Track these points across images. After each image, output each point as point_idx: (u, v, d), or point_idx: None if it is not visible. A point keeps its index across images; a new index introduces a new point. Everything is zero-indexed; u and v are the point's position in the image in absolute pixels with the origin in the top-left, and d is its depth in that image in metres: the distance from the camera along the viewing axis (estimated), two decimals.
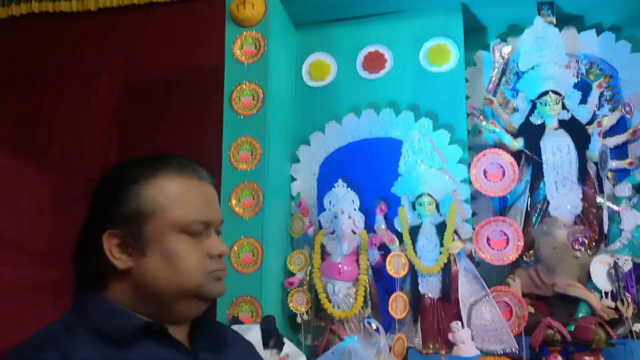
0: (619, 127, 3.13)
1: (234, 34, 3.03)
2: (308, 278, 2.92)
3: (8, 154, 3.11)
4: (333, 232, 2.93)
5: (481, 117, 3.18)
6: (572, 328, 2.61)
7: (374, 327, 2.13)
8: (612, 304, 2.70)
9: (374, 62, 3.27)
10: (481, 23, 3.45)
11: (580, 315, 2.74)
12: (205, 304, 0.93)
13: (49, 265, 3.21)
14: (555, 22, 3.24)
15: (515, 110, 3.27)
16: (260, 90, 2.93)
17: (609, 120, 3.08)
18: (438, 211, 2.90)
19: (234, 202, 2.83)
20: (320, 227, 3.02)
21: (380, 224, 2.95)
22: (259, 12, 2.98)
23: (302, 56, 3.38)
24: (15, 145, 3.45)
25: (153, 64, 3.81)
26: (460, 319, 2.72)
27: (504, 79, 3.39)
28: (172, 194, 0.89)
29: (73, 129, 3.95)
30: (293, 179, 3.23)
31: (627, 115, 3.09)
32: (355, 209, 2.95)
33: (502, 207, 3.28)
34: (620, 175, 3.10)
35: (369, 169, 3.10)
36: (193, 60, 3.71)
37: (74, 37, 4.07)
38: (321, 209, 3.08)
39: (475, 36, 3.40)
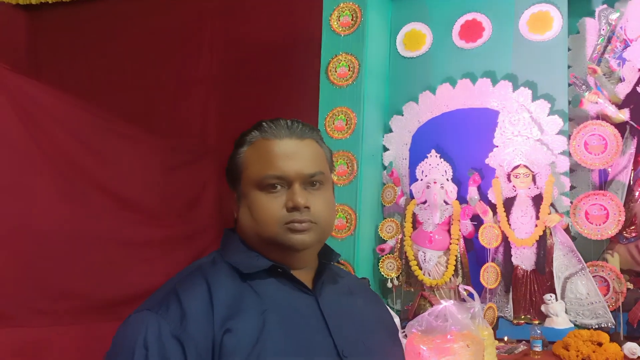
0: None
1: (331, 5, 3.10)
2: (399, 245, 3.00)
3: (123, 122, 3.39)
4: (425, 202, 2.98)
5: (584, 87, 3.06)
6: None
7: (468, 292, 2.18)
8: None
9: (471, 31, 3.22)
10: None
11: None
12: (290, 252, 0.98)
13: (160, 225, 3.52)
14: None
15: (621, 80, 3.12)
16: (356, 62, 3.00)
17: None
18: (534, 183, 2.86)
19: None
20: (412, 197, 3.07)
21: (473, 195, 2.96)
22: None
23: (397, 26, 3.38)
24: (128, 114, 3.75)
25: (251, 33, 3.97)
26: (554, 292, 2.71)
27: (609, 47, 3.22)
28: (251, 156, 1.00)
29: (175, 98, 4.23)
30: (385, 149, 3.29)
31: None
32: (447, 179, 2.97)
33: (603, 180, 3.16)
34: None
35: (462, 140, 3.09)
36: (289, 30, 3.82)
37: (175, 9, 4.30)
38: (412, 178, 3.12)
39: (578, 1, 3.24)
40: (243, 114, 4.06)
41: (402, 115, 3.27)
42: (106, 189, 3.10)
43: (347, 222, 2.90)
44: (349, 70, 3.01)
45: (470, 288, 2.13)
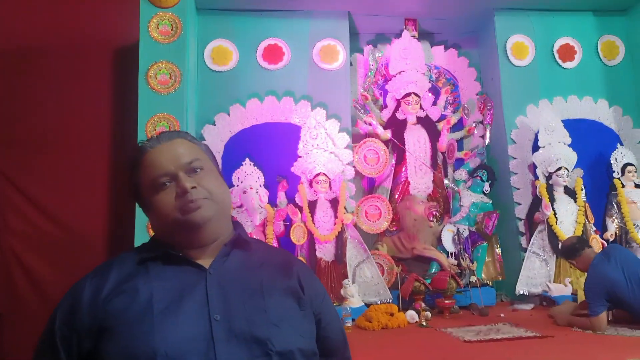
0: (458, 125, 4.00)
1: (149, 13, 3.10)
2: None
3: None
4: (241, 206, 3.23)
5: (362, 110, 3.77)
6: (429, 281, 3.33)
7: None
8: (455, 262, 3.53)
9: (273, 54, 3.62)
10: (357, 30, 4.02)
11: (433, 271, 3.51)
12: (192, 230, 1.09)
13: None
14: (417, 36, 3.97)
15: (383, 106, 3.92)
16: (178, 70, 3.06)
17: (454, 119, 3.92)
18: (331, 188, 3.40)
19: None
20: None
21: (282, 199, 3.34)
22: None
23: (204, 40, 3.56)
24: None
25: (34, 28, 3.56)
26: (348, 278, 3.27)
27: (374, 79, 4.02)
28: (141, 171, 1.14)
29: None
30: None
31: (466, 117, 3.97)
32: (260, 185, 3.28)
33: (370, 186, 3.92)
34: (457, 163, 3.96)
35: (271, 150, 3.44)
36: (81, 30, 3.55)
37: None
38: (227, 185, 3.32)
39: (352, 41, 3.95)
40: (24, 113, 3.62)
41: (214, 125, 3.46)
42: None
43: None
44: (170, 78, 3.06)
45: None
